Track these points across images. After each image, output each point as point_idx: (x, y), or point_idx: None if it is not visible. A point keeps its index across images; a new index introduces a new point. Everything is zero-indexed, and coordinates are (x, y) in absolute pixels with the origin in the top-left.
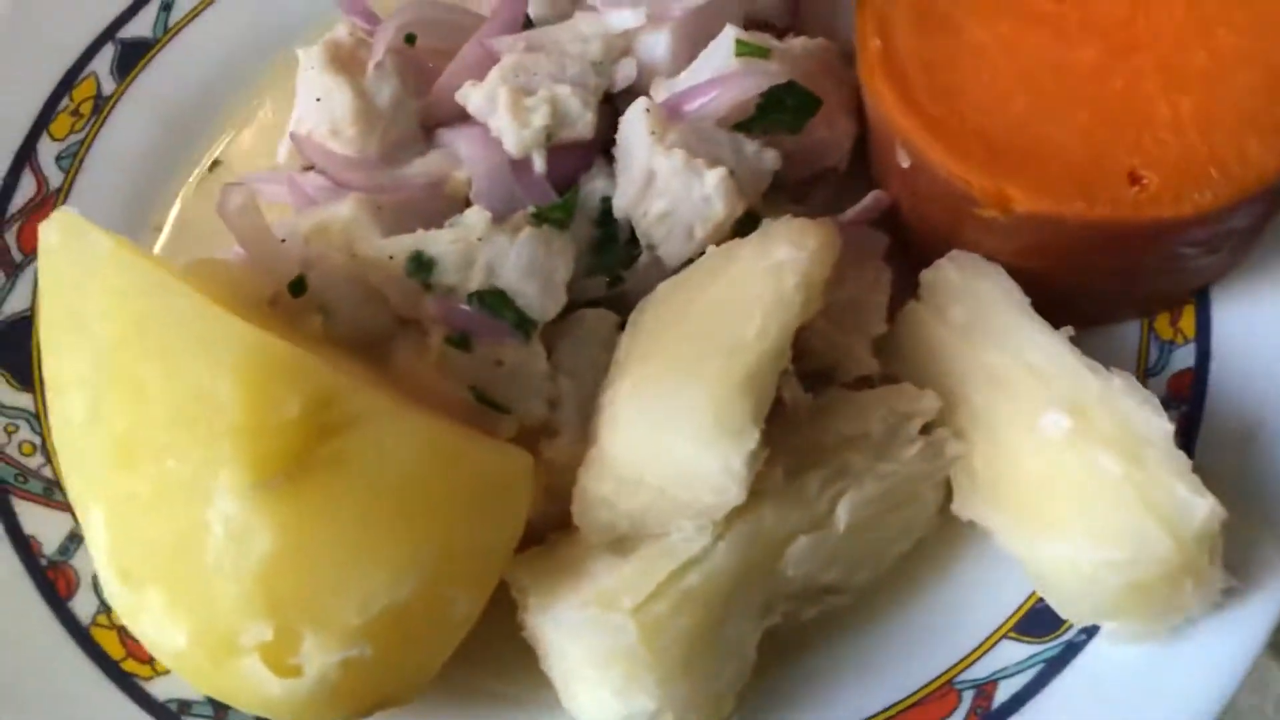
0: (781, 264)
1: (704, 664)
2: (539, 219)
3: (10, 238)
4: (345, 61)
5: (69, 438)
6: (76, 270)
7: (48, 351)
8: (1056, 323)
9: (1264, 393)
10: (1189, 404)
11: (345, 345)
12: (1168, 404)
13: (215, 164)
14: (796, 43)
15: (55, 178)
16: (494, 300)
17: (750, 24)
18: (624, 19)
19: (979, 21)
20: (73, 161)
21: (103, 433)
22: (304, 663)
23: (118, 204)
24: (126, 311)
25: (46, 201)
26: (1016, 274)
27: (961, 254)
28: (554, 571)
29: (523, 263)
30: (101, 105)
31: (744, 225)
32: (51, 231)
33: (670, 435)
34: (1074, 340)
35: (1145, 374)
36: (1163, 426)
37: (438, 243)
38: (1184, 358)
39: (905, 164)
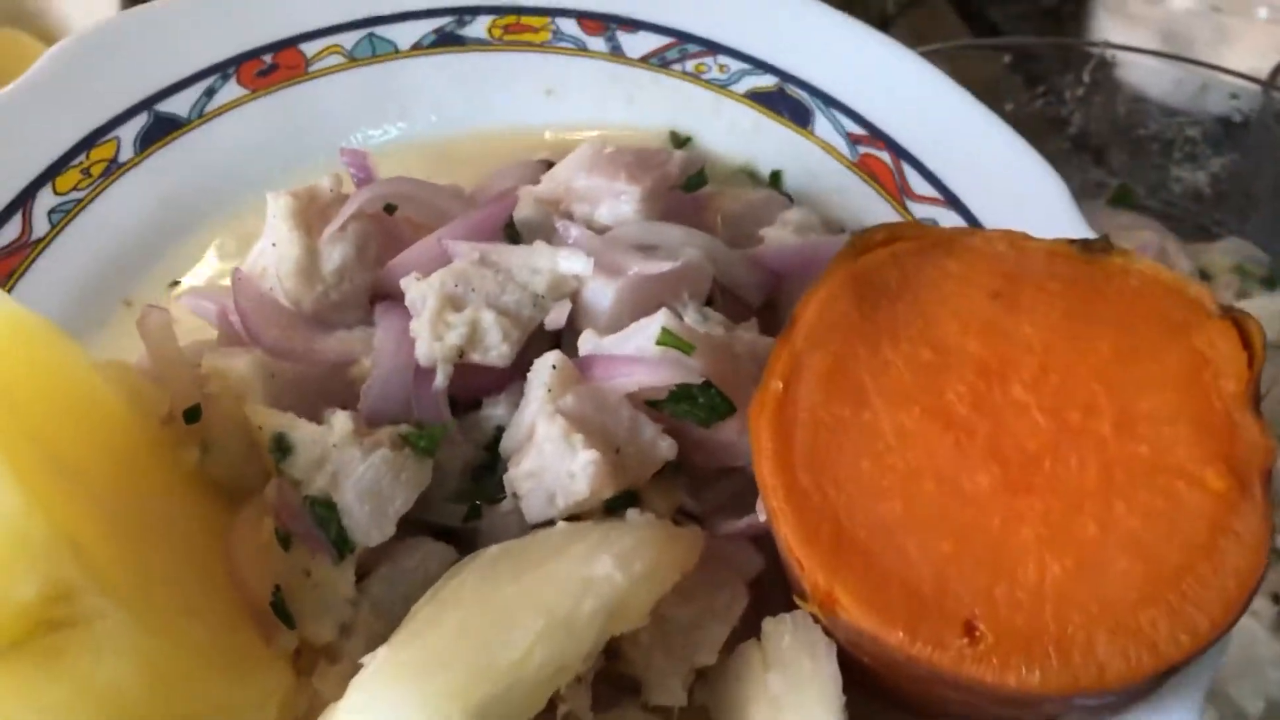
0: (592, 583)
1: None
2: (404, 440)
3: None
4: (310, 215)
5: None
6: None
7: None
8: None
9: None
10: None
11: (212, 486)
12: None
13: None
14: (744, 337)
15: (40, 229)
16: (323, 510)
17: (725, 295)
18: (570, 263)
19: (887, 401)
20: (63, 218)
21: None
22: None
23: (94, 271)
24: None
25: (20, 251)
26: (854, 661)
27: (804, 617)
28: None
29: (364, 483)
30: (112, 170)
31: (616, 503)
32: None
33: None
34: None
35: None
36: None
37: (300, 433)
38: None
39: (761, 517)
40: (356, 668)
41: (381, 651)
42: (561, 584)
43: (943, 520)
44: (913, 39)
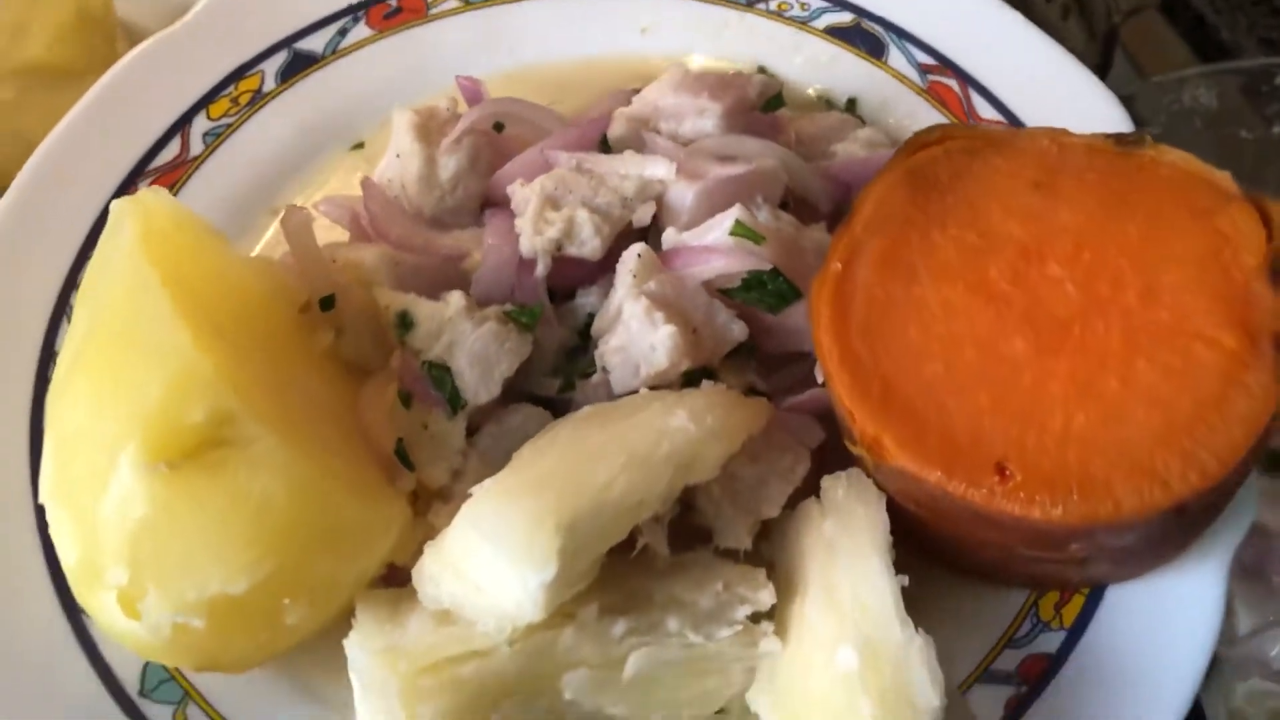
0: (668, 430)
1: None
2: (508, 316)
3: (141, 187)
4: (430, 130)
5: (55, 378)
6: (111, 248)
7: (75, 307)
8: (954, 570)
9: (1100, 712)
10: (1029, 687)
11: (344, 364)
12: (1010, 679)
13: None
14: (813, 235)
15: (196, 149)
16: (438, 373)
17: (797, 201)
18: (655, 169)
19: (935, 279)
20: (216, 139)
21: (69, 382)
22: (145, 612)
23: (242, 185)
24: (117, 297)
25: (181, 167)
26: (902, 513)
27: (858, 474)
28: (385, 613)
29: (474, 350)
30: (257, 100)
31: (692, 379)
32: (115, 209)
33: (487, 542)
34: (958, 584)
35: (1008, 643)
36: (932, 702)
37: (421, 309)
38: (1049, 642)
39: (819, 379)
40: None
41: (488, 482)
42: (642, 430)
43: (980, 379)
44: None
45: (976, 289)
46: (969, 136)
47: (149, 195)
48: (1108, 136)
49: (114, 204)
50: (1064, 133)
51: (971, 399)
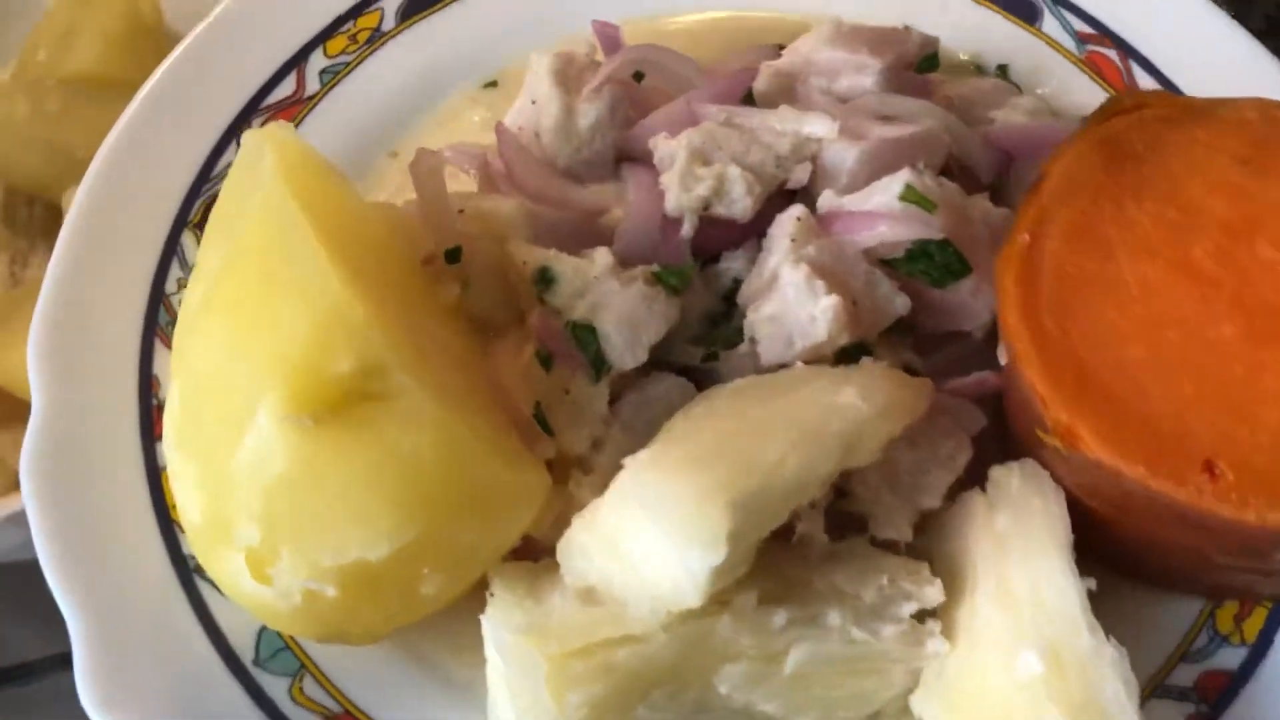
0: (837, 408)
1: None
2: (657, 278)
3: (255, 125)
4: (569, 76)
5: (183, 317)
6: (247, 181)
7: (203, 242)
8: (1124, 574)
9: None
10: (1209, 707)
11: (469, 320)
12: (1188, 696)
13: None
14: (979, 204)
15: (312, 87)
16: (583, 334)
17: (959, 169)
18: (815, 126)
19: (1132, 255)
20: (333, 78)
21: (202, 321)
22: (275, 576)
23: (359, 126)
24: (259, 232)
25: (296, 105)
26: (1082, 509)
27: (1033, 465)
28: (522, 589)
29: (622, 311)
30: (376, 38)
31: (848, 354)
32: (249, 140)
33: (650, 519)
34: (1124, 592)
35: (1183, 656)
36: (1130, 717)
37: (563, 266)
38: (1229, 658)
39: (1003, 360)
40: (608, 477)
41: (643, 454)
42: (811, 406)
43: (1185, 366)
44: None
45: (1179, 268)
46: (1166, 105)
47: (278, 129)
48: None
49: (247, 134)
50: (1275, 105)
51: (1175, 388)
